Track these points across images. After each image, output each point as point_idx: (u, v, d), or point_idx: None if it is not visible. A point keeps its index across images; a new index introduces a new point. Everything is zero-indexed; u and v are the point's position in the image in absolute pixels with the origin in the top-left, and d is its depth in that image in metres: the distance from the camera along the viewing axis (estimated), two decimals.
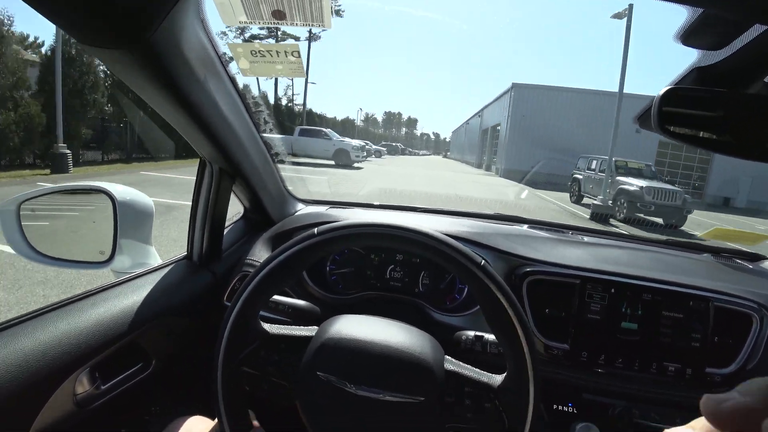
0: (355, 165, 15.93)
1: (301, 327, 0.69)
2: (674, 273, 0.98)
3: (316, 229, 0.65)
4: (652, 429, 0.92)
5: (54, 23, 0.53)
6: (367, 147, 20.50)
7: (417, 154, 69.09)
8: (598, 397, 0.95)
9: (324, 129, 17.09)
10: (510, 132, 21.98)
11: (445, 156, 70.09)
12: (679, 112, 0.64)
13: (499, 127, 25.46)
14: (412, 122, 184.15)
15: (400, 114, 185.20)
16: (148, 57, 0.59)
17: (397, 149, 49.52)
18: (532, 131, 20.33)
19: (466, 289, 1.07)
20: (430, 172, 19.96)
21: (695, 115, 0.65)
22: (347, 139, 17.19)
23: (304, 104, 28.24)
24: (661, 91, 0.60)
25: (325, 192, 8.71)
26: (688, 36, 0.58)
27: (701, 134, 0.63)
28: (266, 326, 0.67)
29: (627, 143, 12.31)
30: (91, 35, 0.55)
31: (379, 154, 30.58)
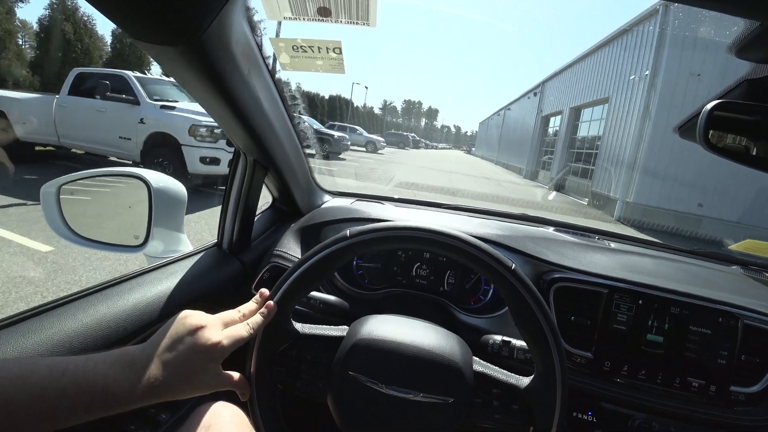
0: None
1: (332, 327, 0.70)
2: (704, 286, 0.96)
3: (348, 231, 0.66)
4: None
5: (108, 18, 0.54)
6: (339, 136, 13.52)
7: (435, 147, 60.91)
8: (618, 408, 0.95)
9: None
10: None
11: (468, 152, 61.65)
12: (725, 125, 0.63)
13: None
14: (432, 113, 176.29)
15: (420, 103, 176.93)
16: (198, 54, 0.61)
17: (407, 140, 35.87)
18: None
19: (491, 291, 1.08)
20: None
21: (741, 129, 0.64)
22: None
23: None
24: (710, 104, 0.59)
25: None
26: (743, 48, 0.56)
27: (748, 150, 0.62)
28: (298, 326, 0.68)
29: None
30: (144, 32, 0.56)
31: (373, 147, 22.19)
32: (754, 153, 0.62)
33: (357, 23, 0.67)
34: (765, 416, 0.88)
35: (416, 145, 39.22)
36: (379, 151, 22.31)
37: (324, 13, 0.67)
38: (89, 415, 0.48)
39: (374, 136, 24.48)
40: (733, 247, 1.30)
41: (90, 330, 0.68)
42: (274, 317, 0.65)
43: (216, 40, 0.60)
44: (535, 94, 22.85)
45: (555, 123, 19.20)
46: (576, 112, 16.09)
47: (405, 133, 38.62)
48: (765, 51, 0.56)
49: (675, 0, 0.48)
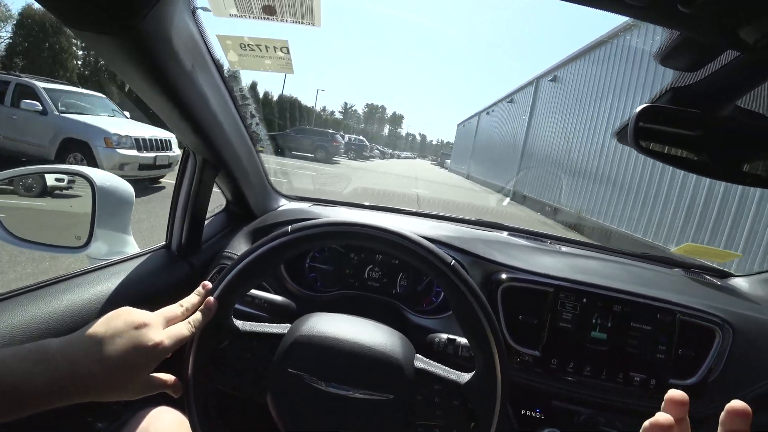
0: None
1: (273, 324, 0.69)
2: (645, 286, 1.00)
3: (289, 227, 0.66)
4: None
5: (41, 4, 0.52)
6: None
7: (398, 157, 48.80)
8: (565, 404, 0.97)
9: None
10: None
11: (440, 164, 46.79)
12: (654, 128, 0.66)
13: None
14: (397, 119, 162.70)
15: (383, 108, 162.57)
16: (136, 44, 0.59)
17: (362, 148, 24.50)
18: None
19: (442, 293, 1.09)
20: None
21: (669, 133, 0.67)
22: None
23: None
24: (639, 108, 0.62)
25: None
26: (666, 56, 0.59)
27: (674, 152, 0.66)
28: (238, 323, 0.67)
29: None
30: (79, 19, 0.55)
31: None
32: (680, 155, 0.66)
33: (302, 23, 0.67)
34: (703, 407, 0.92)
35: (367, 155, 25.41)
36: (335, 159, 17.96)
37: (269, 11, 0.66)
38: None
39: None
40: (675, 250, 1.36)
41: (15, 331, 0.65)
42: (214, 314, 0.63)
43: (154, 31, 0.59)
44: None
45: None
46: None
47: (354, 138, 25.21)
48: (686, 59, 0.59)
49: (612, 10, 0.50)
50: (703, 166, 0.65)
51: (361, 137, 28.25)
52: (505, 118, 21.13)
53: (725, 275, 1.28)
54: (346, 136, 23.36)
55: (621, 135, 0.79)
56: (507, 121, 20.58)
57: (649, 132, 0.66)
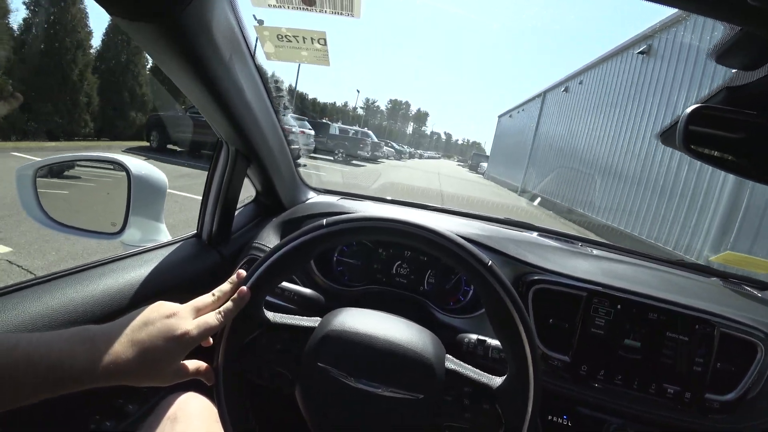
0: None
1: (304, 317, 0.69)
2: (682, 295, 0.96)
3: (324, 221, 0.65)
4: None
5: None
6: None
7: (421, 157, 41.81)
8: (594, 413, 0.95)
9: None
10: None
11: (471, 167, 36.47)
12: (705, 131, 0.63)
13: None
14: (422, 117, 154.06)
15: (408, 104, 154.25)
16: (177, 33, 0.59)
17: (356, 143, 16.01)
18: None
19: (471, 292, 1.07)
20: None
21: (722, 136, 0.64)
22: None
23: None
24: (689, 109, 0.59)
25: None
26: (723, 54, 0.56)
27: (727, 156, 0.62)
28: (269, 314, 0.67)
29: None
30: (122, 7, 0.55)
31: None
32: (730, 159, 0.62)
33: (341, 13, 0.66)
34: (739, 424, 0.88)
35: (372, 153, 17.48)
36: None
37: (308, 2, 0.66)
38: (42, 392, 0.46)
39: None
40: (713, 258, 1.31)
41: (55, 313, 0.66)
42: (245, 306, 0.63)
43: (196, 20, 0.59)
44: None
45: None
46: None
47: (349, 128, 17.88)
48: (744, 57, 0.56)
49: (664, 3, 0.48)
50: (757, 171, 0.61)
51: (365, 130, 18.46)
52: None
53: (766, 287, 1.23)
54: (336, 126, 16.88)
55: (666, 136, 0.76)
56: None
57: (699, 134, 0.63)
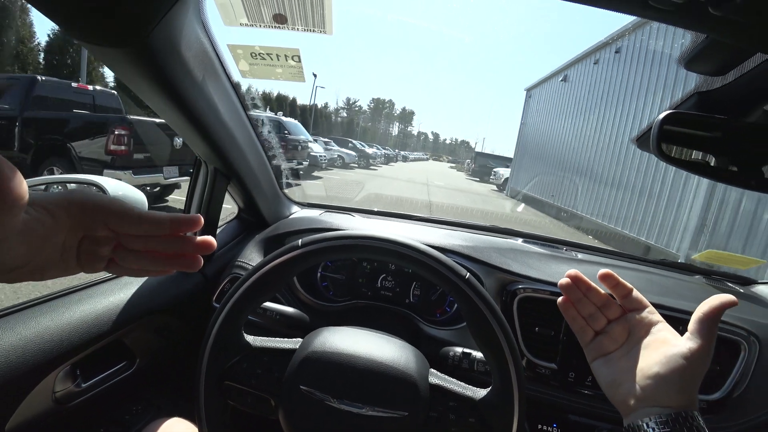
0: None
1: (285, 339, 0.68)
2: (666, 295, 0.97)
3: (300, 241, 0.64)
4: None
5: (50, 18, 0.52)
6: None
7: (406, 159, 38.74)
8: (583, 419, 0.94)
9: None
10: None
11: (477, 176, 24.55)
12: (678, 135, 0.63)
13: None
14: (407, 116, 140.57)
15: (392, 102, 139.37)
16: (146, 55, 0.59)
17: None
18: None
19: (456, 304, 1.07)
20: None
21: (694, 140, 0.65)
22: None
23: None
24: (662, 114, 0.60)
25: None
26: (691, 60, 0.57)
27: (699, 160, 0.63)
28: (249, 338, 0.66)
29: None
30: (88, 33, 0.54)
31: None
32: (703, 162, 0.63)
33: (313, 30, 0.66)
34: (725, 423, 0.88)
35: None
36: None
37: (280, 20, 0.65)
38: None
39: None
40: (696, 257, 1.32)
41: (30, 344, 0.65)
42: (226, 330, 0.62)
43: (165, 43, 0.59)
44: None
45: None
46: None
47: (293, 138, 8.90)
48: (712, 63, 0.57)
49: (629, 12, 0.48)
50: (727, 174, 0.62)
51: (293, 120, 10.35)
52: None
53: (748, 282, 1.24)
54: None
55: (641, 141, 0.77)
56: None
57: (672, 139, 0.64)
